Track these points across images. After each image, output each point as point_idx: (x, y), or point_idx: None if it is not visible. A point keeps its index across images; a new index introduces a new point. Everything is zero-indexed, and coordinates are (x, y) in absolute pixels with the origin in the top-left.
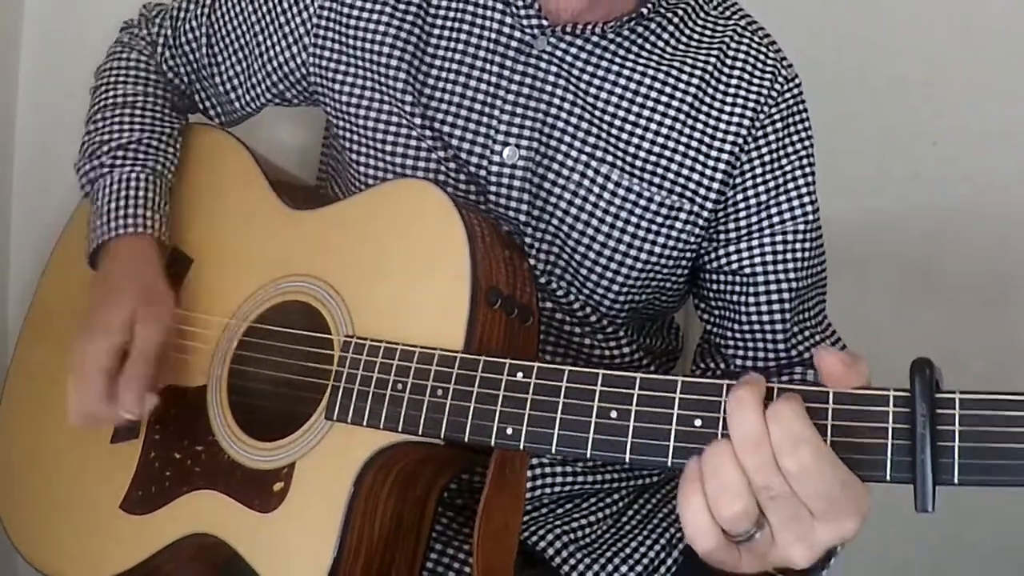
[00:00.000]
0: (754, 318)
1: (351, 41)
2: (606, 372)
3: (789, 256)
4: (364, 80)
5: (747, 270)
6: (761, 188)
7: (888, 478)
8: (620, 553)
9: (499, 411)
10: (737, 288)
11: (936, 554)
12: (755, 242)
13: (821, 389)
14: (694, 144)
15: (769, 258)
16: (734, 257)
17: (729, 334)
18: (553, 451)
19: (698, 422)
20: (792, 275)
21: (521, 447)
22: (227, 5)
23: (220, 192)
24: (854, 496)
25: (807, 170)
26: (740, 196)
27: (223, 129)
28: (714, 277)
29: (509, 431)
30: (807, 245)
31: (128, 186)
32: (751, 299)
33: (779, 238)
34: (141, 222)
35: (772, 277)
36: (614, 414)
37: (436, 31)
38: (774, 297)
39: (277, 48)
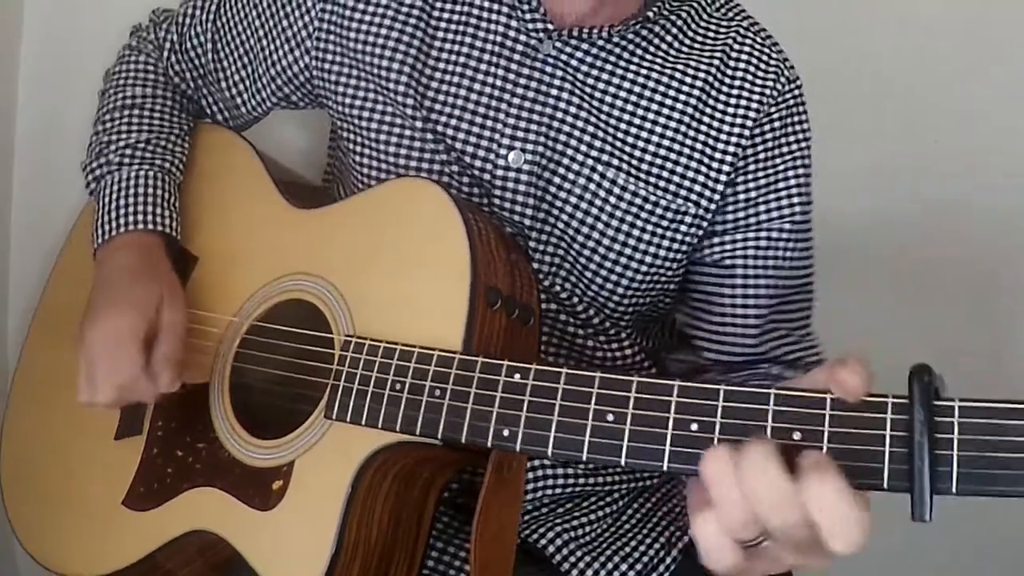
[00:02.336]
0: (727, 311)
1: (352, 44)
2: (603, 375)
3: (771, 254)
4: (366, 83)
5: (727, 262)
6: (752, 184)
7: (886, 486)
8: (620, 551)
9: (496, 412)
10: (715, 280)
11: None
12: (739, 236)
13: (818, 395)
14: (698, 147)
15: (751, 253)
16: (716, 249)
17: (701, 324)
18: (550, 454)
19: (694, 426)
20: (772, 272)
21: (518, 449)
22: (232, 11)
23: (226, 191)
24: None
25: (800, 171)
26: (731, 191)
27: (229, 128)
28: (694, 268)
29: (506, 433)
30: (791, 246)
31: (137, 183)
32: (727, 291)
33: (763, 235)
34: (150, 219)
35: (751, 272)
36: (611, 417)
37: (440, 34)
38: (750, 292)
39: (280, 52)
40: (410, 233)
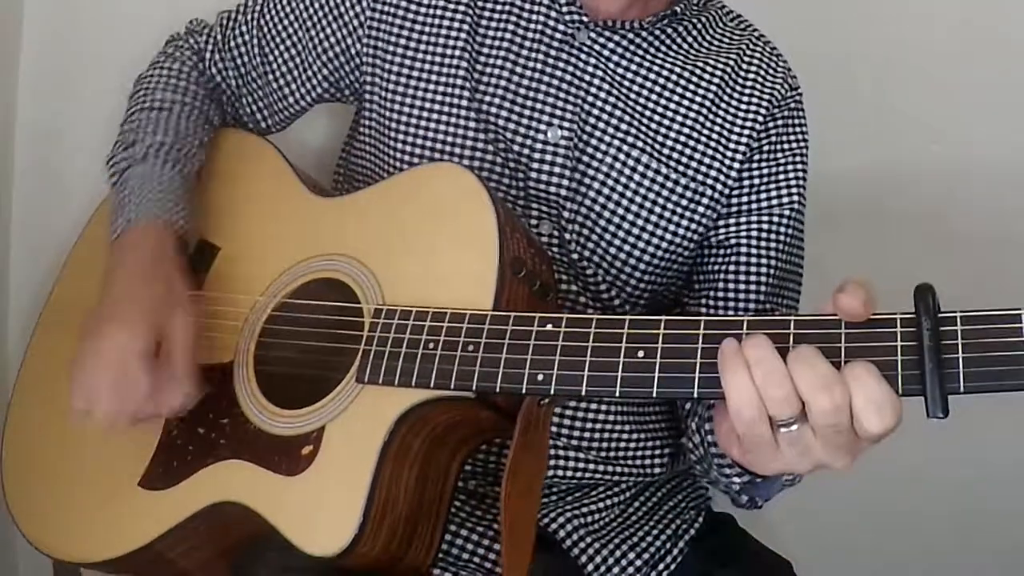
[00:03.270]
0: (730, 286)
1: (407, 32)
2: (632, 317)
3: (772, 236)
4: (414, 69)
5: (732, 241)
6: (755, 173)
7: (900, 391)
8: (628, 540)
9: (530, 359)
10: (719, 260)
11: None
12: (743, 219)
13: (834, 318)
14: (714, 136)
15: (754, 234)
16: (722, 231)
17: (703, 301)
18: (583, 392)
19: None
20: (773, 254)
21: (552, 391)
22: (278, 6)
23: (250, 185)
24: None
25: (798, 167)
26: (738, 178)
27: (253, 132)
28: (700, 251)
29: (540, 377)
30: (789, 231)
31: (160, 179)
32: (731, 267)
33: (765, 218)
34: (171, 207)
35: (754, 251)
36: (641, 353)
37: (484, 21)
38: (752, 271)
39: (333, 39)
40: (438, 213)
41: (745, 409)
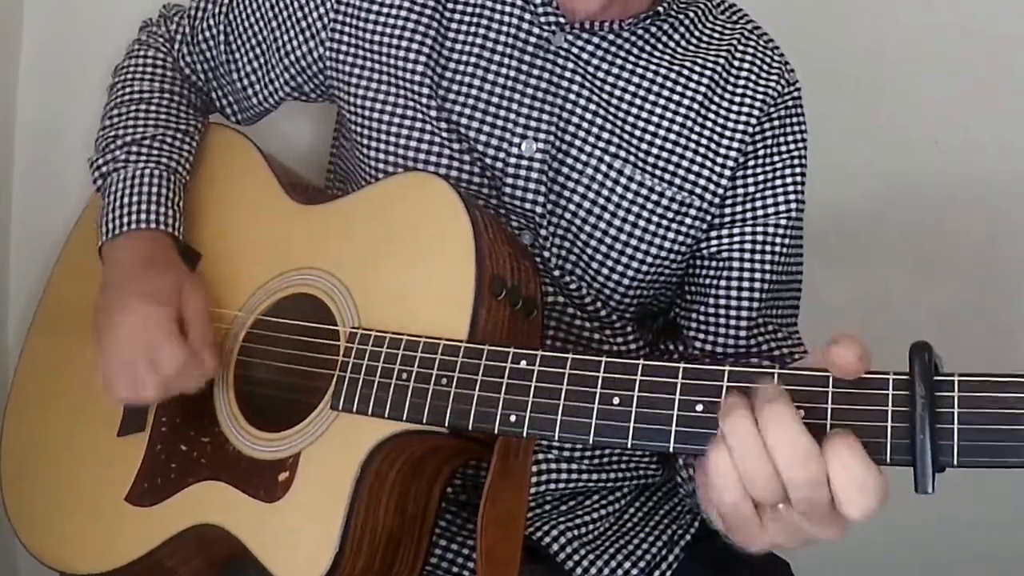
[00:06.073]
0: (722, 302)
1: (368, 36)
2: (608, 359)
3: (768, 248)
4: (380, 74)
5: (724, 254)
6: (750, 180)
7: (888, 460)
8: (623, 549)
9: (503, 399)
10: (711, 272)
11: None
12: (736, 230)
13: (821, 373)
14: (704, 141)
15: (748, 247)
16: (714, 242)
17: (694, 315)
18: (556, 438)
19: (699, 407)
20: (768, 267)
21: (524, 434)
22: (245, 2)
23: (229, 188)
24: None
25: (796, 171)
26: (731, 186)
27: (233, 128)
28: (692, 260)
29: (512, 418)
30: (786, 242)
31: (142, 182)
32: (722, 283)
33: (760, 229)
34: (154, 218)
35: (747, 265)
36: (616, 400)
37: (454, 25)
38: (745, 285)
39: (295, 42)
40: (415, 226)
41: (727, 493)
